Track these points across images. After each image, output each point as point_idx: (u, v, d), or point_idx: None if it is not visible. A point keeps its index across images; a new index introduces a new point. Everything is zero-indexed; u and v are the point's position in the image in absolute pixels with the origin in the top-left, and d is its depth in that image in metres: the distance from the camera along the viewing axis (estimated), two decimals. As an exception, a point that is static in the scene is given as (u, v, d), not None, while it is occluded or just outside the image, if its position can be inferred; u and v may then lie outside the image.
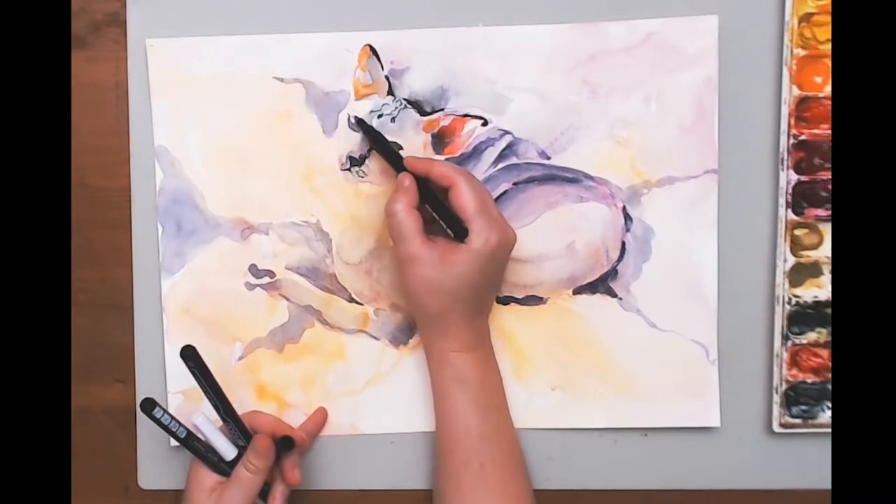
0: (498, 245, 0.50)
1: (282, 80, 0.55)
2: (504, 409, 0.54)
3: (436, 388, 0.53)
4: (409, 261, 0.50)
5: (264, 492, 0.52)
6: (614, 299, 0.55)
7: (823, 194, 0.54)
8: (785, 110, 0.53)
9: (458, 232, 0.50)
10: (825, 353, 0.54)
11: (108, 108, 0.56)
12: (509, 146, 0.55)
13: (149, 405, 0.50)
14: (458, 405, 0.51)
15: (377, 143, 0.54)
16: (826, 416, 0.55)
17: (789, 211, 0.54)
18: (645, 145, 0.54)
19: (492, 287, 0.53)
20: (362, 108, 0.55)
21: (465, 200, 0.50)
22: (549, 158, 0.55)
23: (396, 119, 0.55)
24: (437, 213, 0.51)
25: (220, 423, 0.52)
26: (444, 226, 0.51)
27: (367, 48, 0.54)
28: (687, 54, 0.53)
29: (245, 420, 0.53)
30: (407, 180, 0.51)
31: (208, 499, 0.50)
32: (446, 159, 0.55)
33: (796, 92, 0.53)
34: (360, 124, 0.54)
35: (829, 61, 0.53)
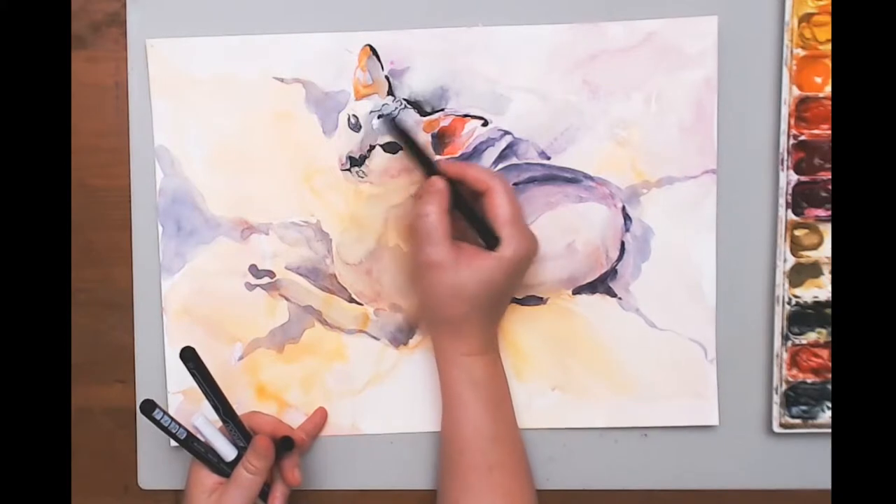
0: (526, 254, 0.50)
1: (282, 80, 0.55)
2: (511, 412, 0.54)
3: (446, 390, 0.52)
4: (433, 266, 0.49)
5: (264, 492, 0.52)
6: (614, 299, 0.55)
7: (823, 194, 0.54)
8: (785, 110, 0.53)
9: (490, 241, 0.50)
10: (825, 353, 0.54)
11: (108, 108, 0.56)
12: (509, 146, 0.55)
13: (148, 407, 0.50)
14: (470, 407, 0.51)
15: (407, 144, 0.52)
16: (826, 416, 0.55)
17: (789, 211, 0.54)
18: (645, 145, 0.54)
19: (511, 294, 0.53)
20: (362, 109, 0.55)
21: (500, 206, 0.49)
22: (549, 158, 0.55)
23: (396, 119, 0.55)
24: (470, 220, 0.51)
25: (220, 423, 0.52)
26: (476, 233, 0.50)
27: (367, 48, 0.54)
28: (687, 54, 0.53)
29: (245, 421, 0.53)
30: (440, 183, 0.50)
31: (209, 499, 0.50)
32: (446, 160, 0.54)
33: (796, 92, 0.53)
34: (394, 128, 0.53)
35: (829, 61, 0.53)
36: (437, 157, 0.54)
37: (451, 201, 0.50)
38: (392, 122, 0.54)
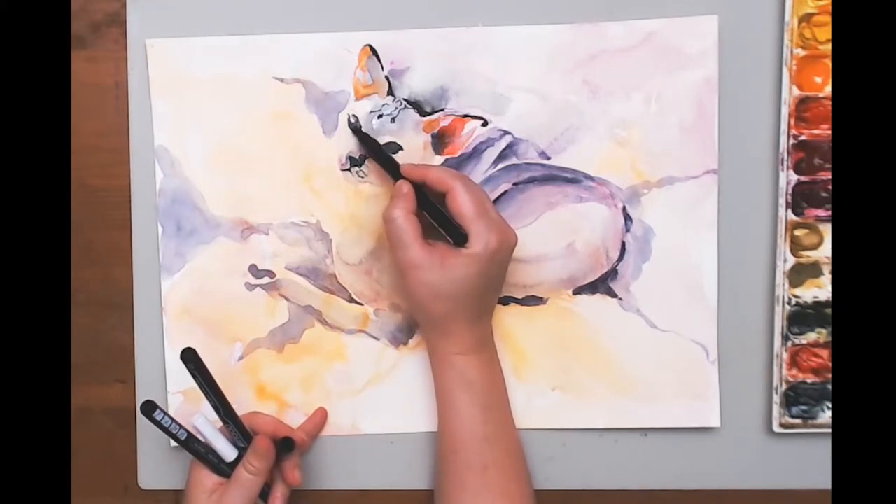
0: (498, 247, 0.49)
1: (282, 80, 0.55)
2: (507, 411, 0.54)
3: (439, 391, 0.53)
4: (410, 267, 0.50)
5: (264, 492, 0.52)
6: (614, 299, 0.55)
7: (823, 194, 0.54)
8: (785, 110, 0.53)
9: (457, 238, 0.50)
10: (825, 353, 0.54)
11: (108, 108, 0.56)
12: (509, 146, 0.55)
13: (149, 408, 0.50)
14: (463, 407, 0.51)
15: (373, 150, 0.54)
16: (826, 416, 0.55)
17: (789, 211, 0.54)
18: (645, 145, 0.54)
19: (494, 289, 0.53)
20: (362, 109, 0.55)
21: (461, 204, 0.49)
22: (549, 158, 0.55)
23: (396, 119, 0.55)
24: (436, 219, 0.51)
25: (221, 423, 0.52)
26: (443, 232, 0.51)
27: (367, 48, 0.54)
28: (687, 54, 0.53)
29: (245, 421, 0.53)
30: (405, 187, 0.51)
31: (209, 500, 0.50)
32: (446, 160, 0.55)
33: (796, 92, 0.53)
34: (356, 132, 0.54)
35: (829, 61, 0.53)
36: (439, 157, 0.55)
37: (418, 203, 0.51)
38: (355, 129, 0.54)
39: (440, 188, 0.50)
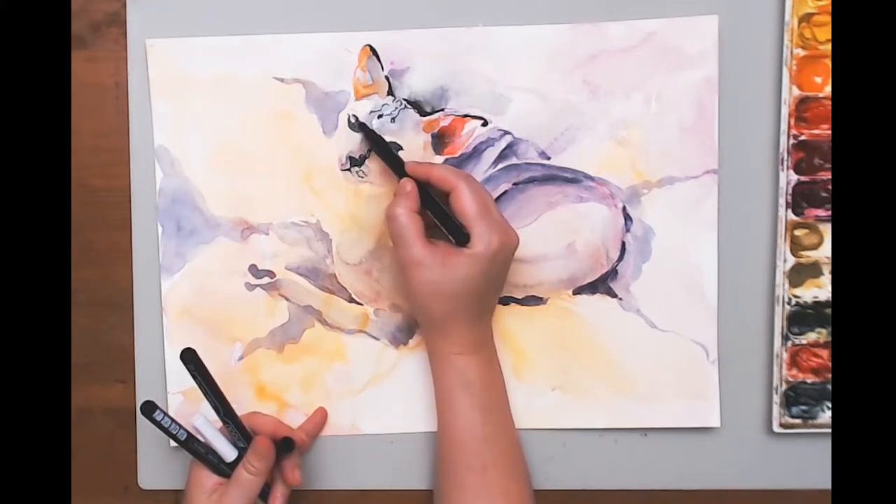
0: (499, 248, 0.49)
1: (282, 80, 0.55)
2: (506, 411, 0.54)
3: (439, 391, 0.53)
4: (411, 265, 0.50)
5: (264, 493, 0.52)
6: (614, 299, 0.55)
7: (823, 194, 0.54)
8: (785, 110, 0.53)
9: (459, 238, 0.50)
10: (825, 353, 0.54)
11: (108, 108, 0.56)
12: (509, 146, 0.55)
13: (149, 408, 0.50)
14: (462, 408, 0.51)
15: (378, 147, 0.54)
16: (826, 416, 0.55)
17: (789, 211, 0.54)
18: (645, 145, 0.54)
19: (494, 289, 0.53)
20: (362, 109, 0.55)
21: (465, 204, 0.50)
22: (549, 158, 0.55)
23: (396, 119, 0.55)
24: (438, 218, 0.51)
25: (221, 423, 0.52)
26: (446, 231, 0.51)
27: (367, 48, 0.54)
28: (687, 54, 0.53)
29: (245, 421, 0.53)
30: (409, 185, 0.51)
31: (209, 500, 0.50)
32: (446, 160, 0.55)
33: (796, 92, 0.53)
34: (362, 128, 0.54)
35: (829, 61, 0.53)
36: (439, 157, 0.55)
37: (422, 202, 0.51)
38: (362, 126, 0.54)
39: (444, 187, 0.51)
